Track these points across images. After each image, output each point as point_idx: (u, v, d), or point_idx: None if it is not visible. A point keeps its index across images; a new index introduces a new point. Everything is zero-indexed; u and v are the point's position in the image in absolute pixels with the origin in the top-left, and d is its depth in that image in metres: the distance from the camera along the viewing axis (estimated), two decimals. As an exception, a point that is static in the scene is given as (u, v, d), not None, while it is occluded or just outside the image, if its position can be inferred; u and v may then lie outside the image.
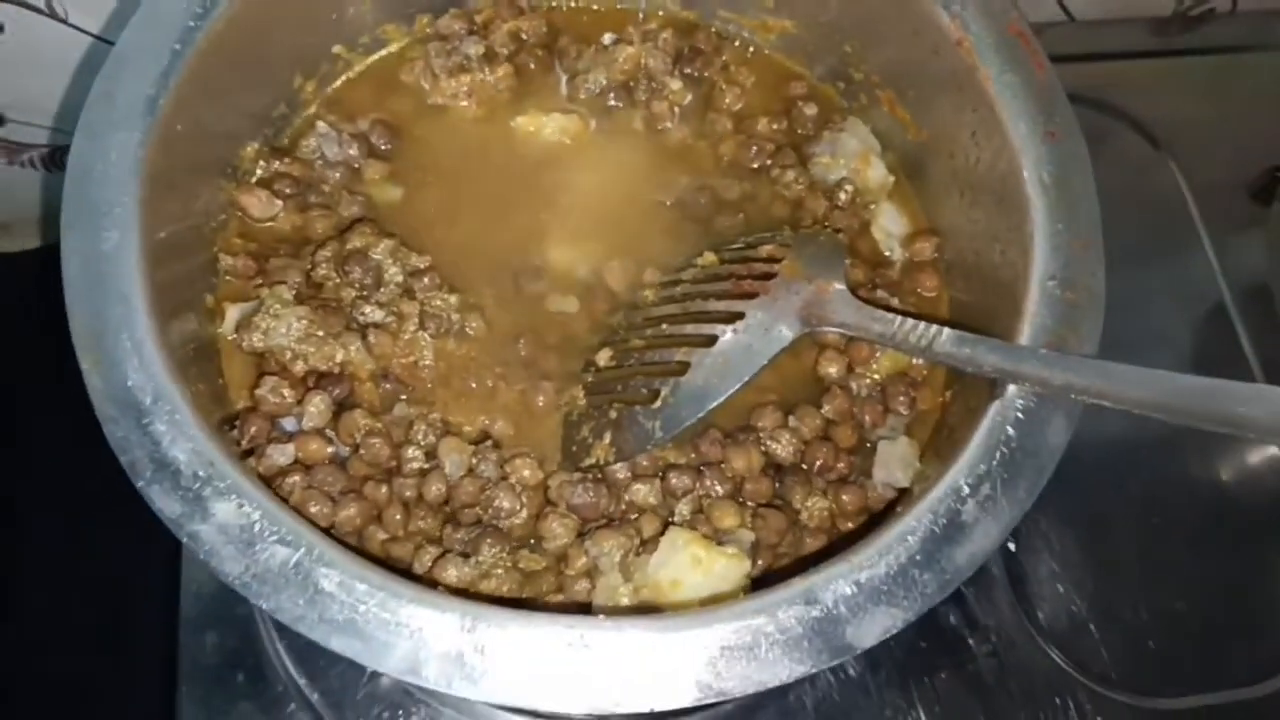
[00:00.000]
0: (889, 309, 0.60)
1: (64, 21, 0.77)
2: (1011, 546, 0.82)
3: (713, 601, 0.54)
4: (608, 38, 0.74)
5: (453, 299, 0.64)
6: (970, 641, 0.79)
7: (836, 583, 0.48)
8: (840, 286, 0.59)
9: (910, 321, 0.55)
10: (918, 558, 0.48)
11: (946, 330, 0.53)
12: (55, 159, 0.94)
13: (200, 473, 0.48)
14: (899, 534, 0.49)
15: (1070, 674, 0.78)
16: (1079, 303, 0.55)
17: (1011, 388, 0.53)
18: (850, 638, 0.47)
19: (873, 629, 0.47)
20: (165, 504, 0.47)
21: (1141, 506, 0.86)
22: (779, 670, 0.46)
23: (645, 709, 0.45)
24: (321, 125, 0.68)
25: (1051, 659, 0.78)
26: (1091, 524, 0.84)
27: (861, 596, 0.47)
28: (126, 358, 0.50)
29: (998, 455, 0.51)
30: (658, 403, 0.59)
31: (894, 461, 0.62)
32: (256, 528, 0.47)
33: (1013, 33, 0.62)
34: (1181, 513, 0.86)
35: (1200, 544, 0.85)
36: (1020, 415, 0.52)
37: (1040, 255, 0.56)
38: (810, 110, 0.73)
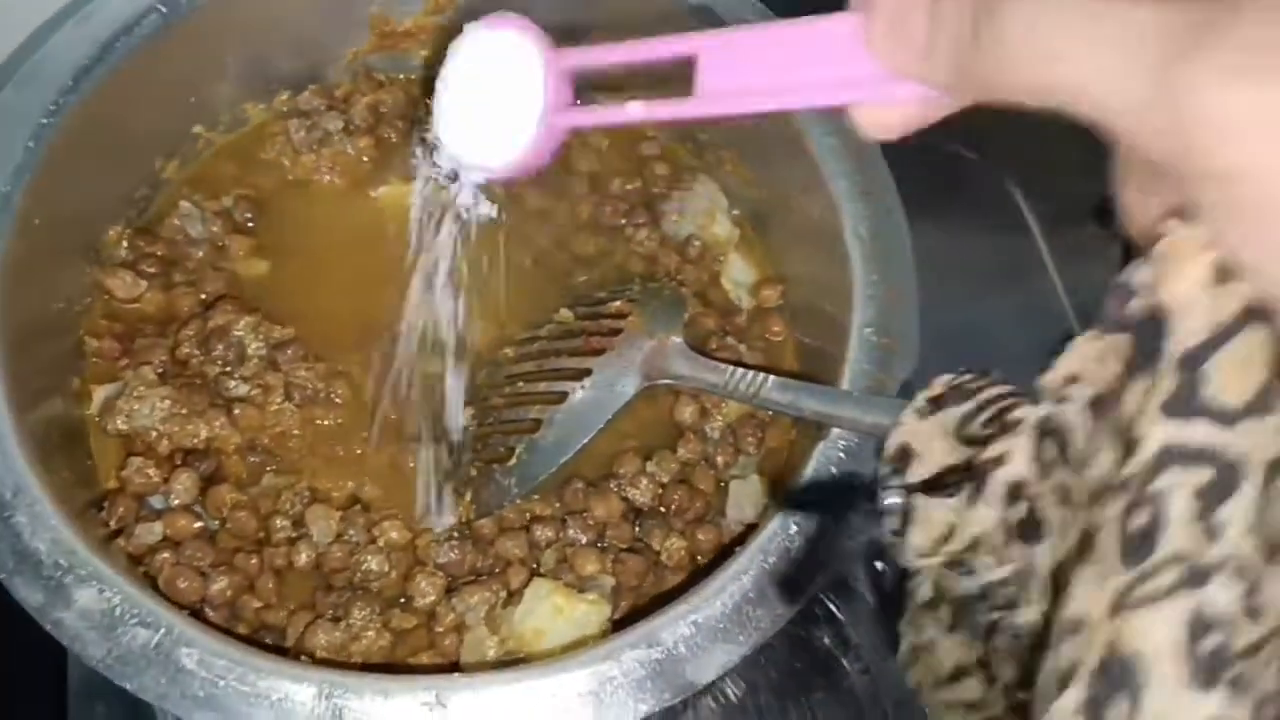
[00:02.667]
0: (729, 359, 0.64)
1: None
2: (879, 566, 0.87)
3: (574, 647, 0.57)
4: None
5: (319, 367, 0.66)
6: (843, 661, 0.83)
7: (676, 624, 0.51)
8: (678, 340, 0.63)
9: (740, 371, 0.59)
10: (751, 595, 0.52)
11: (771, 378, 0.58)
12: None
13: (61, 561, 0.49)
14: (733, 573, 0.53)
15: (938, 685, 0.82)
16: (894, 348, 0.60)
17: (835, 429, 0.57)
18: (690, 675, 0.50)
19: (711, 665, 0.51)
20: (28, 594, 0.49)
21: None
22: (624, 712, 0.49)
23: (501, 759, 0.48)
24: (184, 205, 0.70)
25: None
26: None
27: (700, 636, 0.51)
28: (-15, 454, 0.51)
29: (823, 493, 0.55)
30: (513, 460, 0.63)
31: (744, 499, 0.66)
32: (117, 612, 0.49)
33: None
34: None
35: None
36: (841, 455, 0.56)
37: (858, 304, 0.61)
38: (662, 169, 0.78)
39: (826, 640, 0.84)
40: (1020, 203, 1.05)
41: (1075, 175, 1.08)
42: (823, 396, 0.57)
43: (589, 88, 0.49)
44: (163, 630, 0.48)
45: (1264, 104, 0.23)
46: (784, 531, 0.54)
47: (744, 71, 0.40)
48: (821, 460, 0.56)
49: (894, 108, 0.36)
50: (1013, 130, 1.08)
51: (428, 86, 0.79)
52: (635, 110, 0.44)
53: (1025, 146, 1.08)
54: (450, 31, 0.75)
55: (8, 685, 0.77)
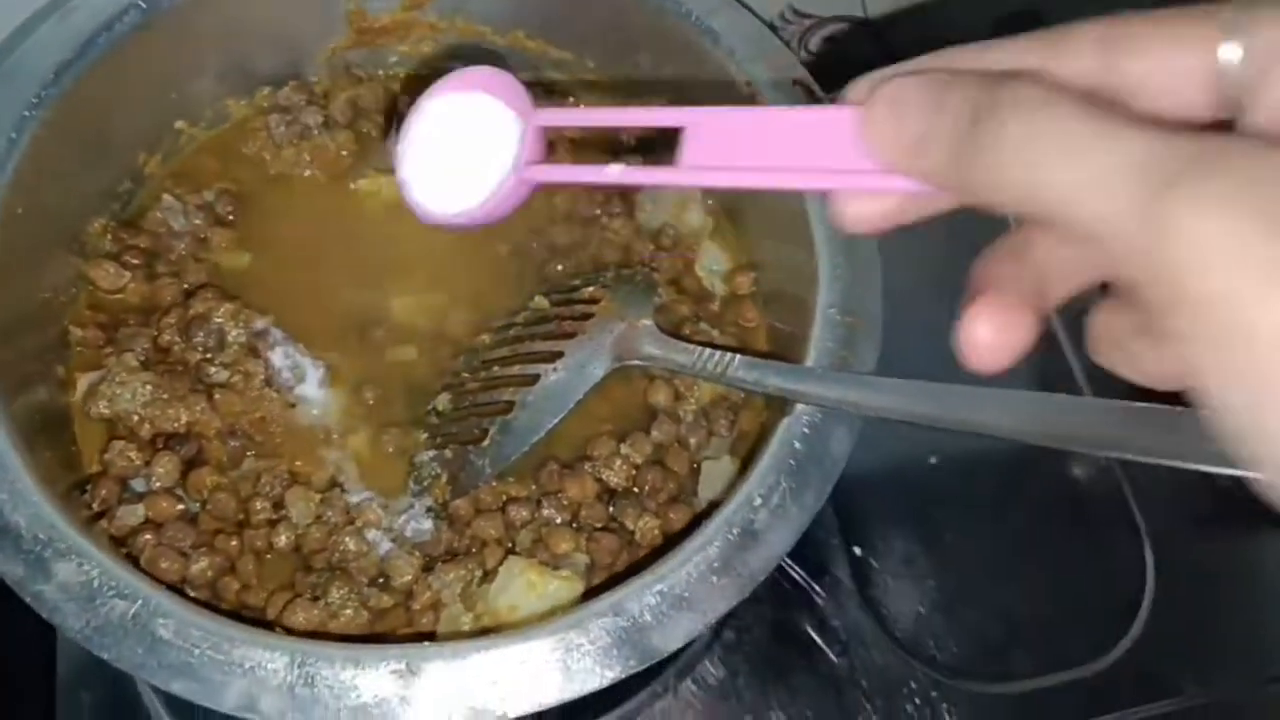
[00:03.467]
0: (699, 341, 0.65)
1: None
2: (858, 551, 0.88)
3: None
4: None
5: (297, 353, 0.68)
6: (821, 642, 0.84)
7: (642, 594, 0.53)
8: (647, 323, 0.65)
9: (708, 351, 0.61)
10: (715, 564, 0.54)
11: (738, 357, 0.59)
12: None
13: (41, 535, 0.51)
14: (698, 544, 0.54)
15: (916, 667, 0.83)
16: (857, 326, 0.61)
17: (800, 405, 0.58)
18: (656, 643, 0.52)
19: (677, 633, 0.52)
20: (8, 567, 0.50)
21: (979, 508, 0.92)
22: (591, 679, 0.51)
23: (471, 725, 0.49)
24: (167, 198, 0.72)
25: (899, 654, 0.84)
26: (933, 527, 0.90)
27: (665, 605, 0.52)
28: (-34, 433, 0.53)
29: (787, 467, 0.57)
30: (486, 441, 0.64)
31: (716, 479, 0.67)
32: (95, 584, 0.50)
33: (797, 87, 0.68)
34: (1016, 509, 0.92)
35: (1035, 540, 0.91)
36: (806, 430, 0.58)
37: (823, 286, 0.62)
38: (636, 161, 0.79)
39: (805, 625, 0.85)
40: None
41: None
42: (787, 373, 0.59)
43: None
44: (139, 602, 0.50)
45: (1240, 234, 0.24)
46: (749, 504, 0.55)
47: (730, 149, 0.40)
48: (785, 436, 0.58)
49: (877, 201, 0.36)
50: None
51: (406, 82, 0.81)
52: (613, 173, 0.44)
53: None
54: (429, 25, 0.78)
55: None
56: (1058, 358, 0.99)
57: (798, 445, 0.57)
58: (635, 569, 0.63)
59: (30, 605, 0.49)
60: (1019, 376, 0.98)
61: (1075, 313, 0.99)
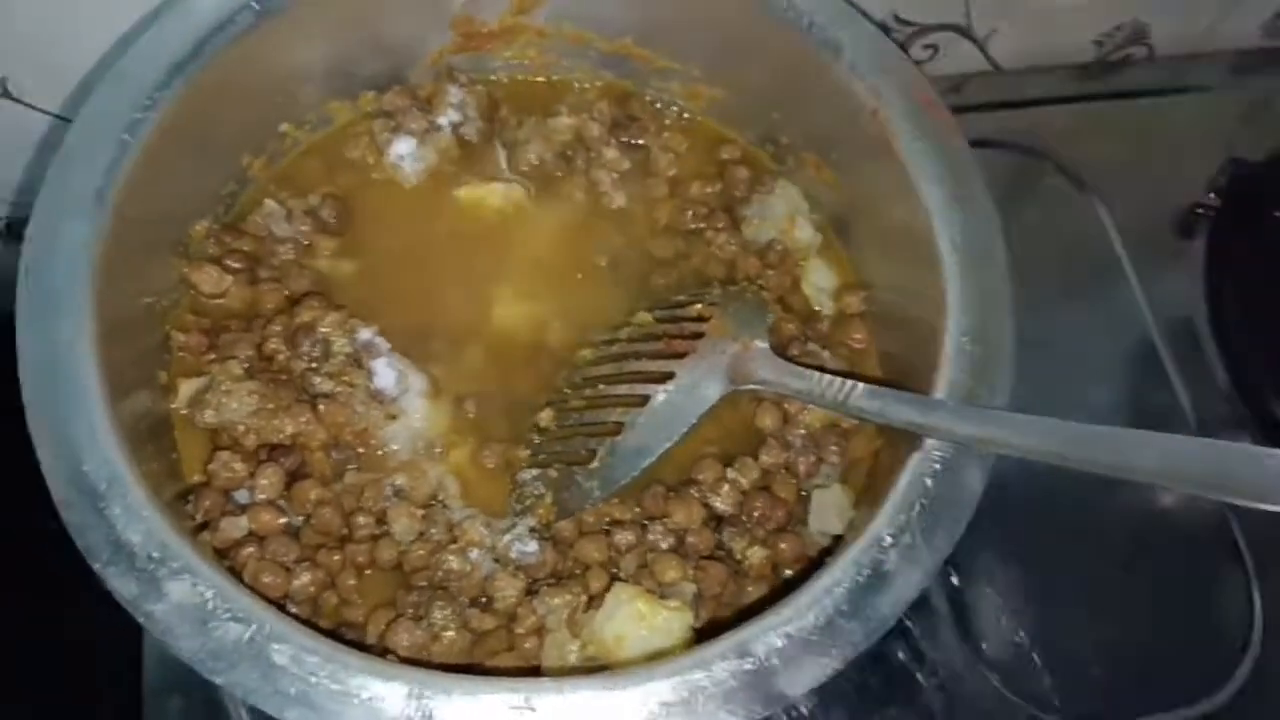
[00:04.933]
0: (811, 365, 0.63)
1: (20, 102, 0.78)
2: (955, 581, 0.85)
3: (657, 655, 0.56)
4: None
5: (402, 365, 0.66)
6: (918, 675, 0.81)
7: (768, 635, 0.50)
8: (762, 345, 0.63)
9: (827, 378, 0.58)
10: (844, 608, 0.51)
11: (860, 385, 0.57)
12: (14, 230, 0.95)
13: (154, 554, 0.50)
14: (826, 586, 0.52)
15: (1015, 701, 0.80)
16: (989, 357, 0.58)
17: (930, 440, 0.56)
18: (782, 687, 0.49)
19: (803, 678, 0.50)
20: (122, 585, 0.49)
21: (1078, 536, 0.89)
22: (714, 722, 0.48)
23: (589, 765, 0.48)
24: (269, 203, 0.71)
25: (996, 688, 0.81)
26: (1031, 556, 0.87)
27: (792, 648, 0.50)
28: (82, 445, 0.52)
29: (917, 506, 0.54)
30: (595, 463, 0.62)
31: (828, 509, 0.65)
32: (210, 606, 0.49)
33: (923, 102, 0.66)
34: (1117, 540, 0.89)
35: (1136, 570, 0.88)
36: (938, 466, 0.55)
37: (953, 312, 0.60)
38: (742, 173, 0.77)
39: (900, 654, 0.82)
40: (1100, 211, 1.03)
41: (1156, 184, 1.07)
42: (915, 405, 0.56)
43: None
44: (255, 626, 0.48)
45: None
46: (877, 544, 0.53)
47: None
48: (915, 473, 0.55)
49: None
50: (1092, 136, 1.08)
51: (509, 88, 0.80)
52: None
53: (1105, 153, 1.07)
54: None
55: (85, 679, 0.79)
56: (1164, 391, 0.95)
57: (929, 483, 0.55)
58: (742, 603, 0.62)
59: (144, 625, 0.48)
60: (1105, 362, 0.96)
61: (1185, 345, 0.96)
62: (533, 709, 0.48)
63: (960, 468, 0.55)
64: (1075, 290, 1.01)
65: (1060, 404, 0.59)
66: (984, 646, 0.83)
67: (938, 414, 0.55)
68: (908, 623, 0.83)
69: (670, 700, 0.48)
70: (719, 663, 0.49)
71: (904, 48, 1.04)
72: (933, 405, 0.56)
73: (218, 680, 0.47)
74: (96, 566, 0.49)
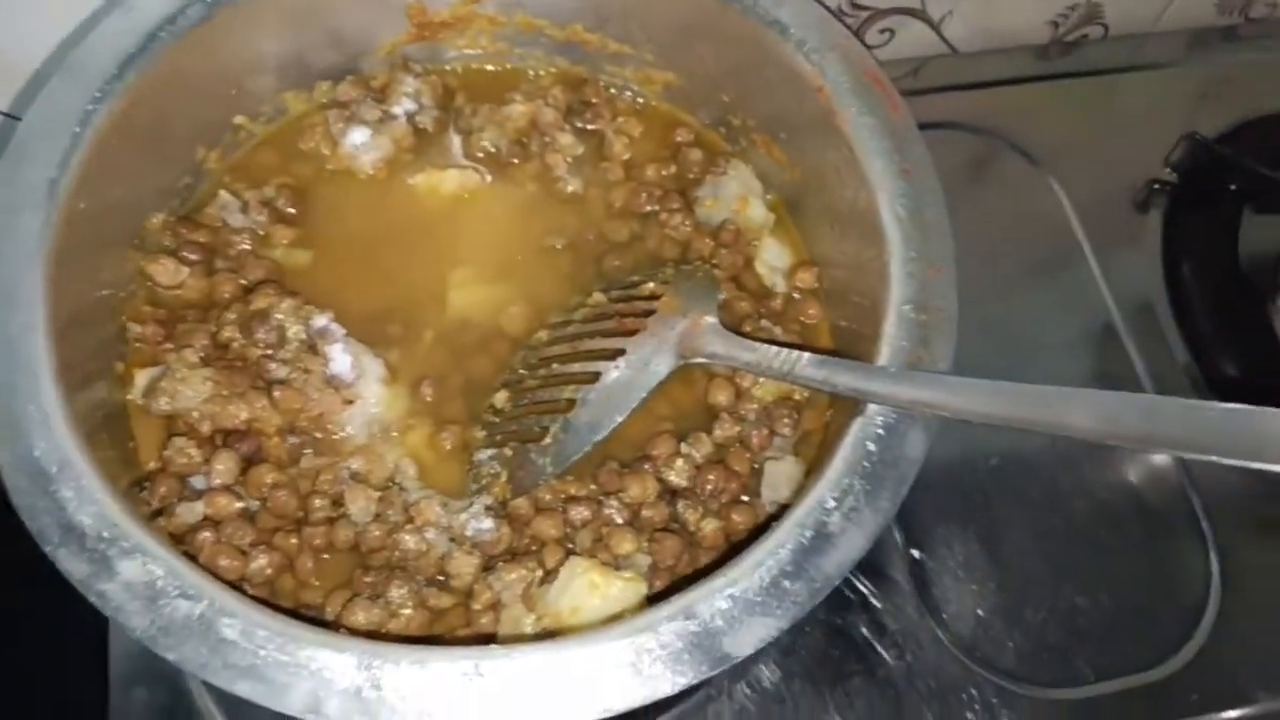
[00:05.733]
0: (763, 339, 0.64)
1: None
2: (916, 554, 0.86)
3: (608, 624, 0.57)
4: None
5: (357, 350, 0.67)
6: (879, 647, 0.82)
7: (714, 597, 0.51)
8: (711, 320, 0.64)
9: (774, 349, 0.59)
10: (788, 569, 0.52)
11: (805, 355, 0.58)
12: None
13: (105, 534, 0.50)
14: (770, 548, 0.53)
15: (976, 671, 0.82)
16: (932, 324, 0.59)
17: (873, 405, 0.57)
18: (728, 648, 0.50)
19: (748, 638, 0.51)
20: (73, 566, 0.50)
21: (1039, 509, 0.90)
22: (662, 683, 0.49)
23: (538, 730, 0.48)
24: (224, 195, 0.71)
25: (958, 658, 0.82)
26: (992, 529, 0.88)
27: (737, 609, 0.51)
28: (33, 429, 0.52)
29: (860, 469, 0.55)
30: (548, 439, 0.63)
31: (780, 480, 0.66)
32: (160, 584, 0.49)
33: (868, 78, 0.67)
34: (1077, 512, 0.90)
35: (1095, 540, 0.89)
36: (880, 431, 0.56)
37: (897, 282, 0.61)
38: (695, 155, 0.78)
39: (862, 628, 0.83)
40: (1057, 189, 1.04)
41: (1113, 162, 1.08)
42: (857, 371, 0.57)
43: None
44: (205, 602, 0.49)
45: None
46: (821, 507, 0.54)
47: None
48: (858, 437, 0.56)
49: None
50: (1049, 116, 1.09)
51: (463, 77, 0.80)
52: None
53: (1062, 133, 1.09)
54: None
55: (50, 672, 0.79)
56: (1124, 367, 0.96)
57: (871, 446, 0.56)
58: (698, 571, 0.63)
59: (94, 604, 0.49)
60: (1066, 343, 0.97)
61: (1144, 320, 0.97)
62: (481, 674, 0.48)
63: (903, 432, 0.56)
64: (1035, 269, 1.02)
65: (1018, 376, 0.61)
66: (945, 618, 0.84)
67: (879, 380, 0.56)
68: (869, 596, 0.84)
69: (618, 662, 0.49)
70: (666, 624, 0.50)
71: (860, 32, 1.05)
72: (875, 372, 0.58)
73: (169, 656, 0.48)
74: (48, 549, 0.50)
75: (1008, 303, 0.98)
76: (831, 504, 0.54)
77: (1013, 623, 0.84)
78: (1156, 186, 1.06)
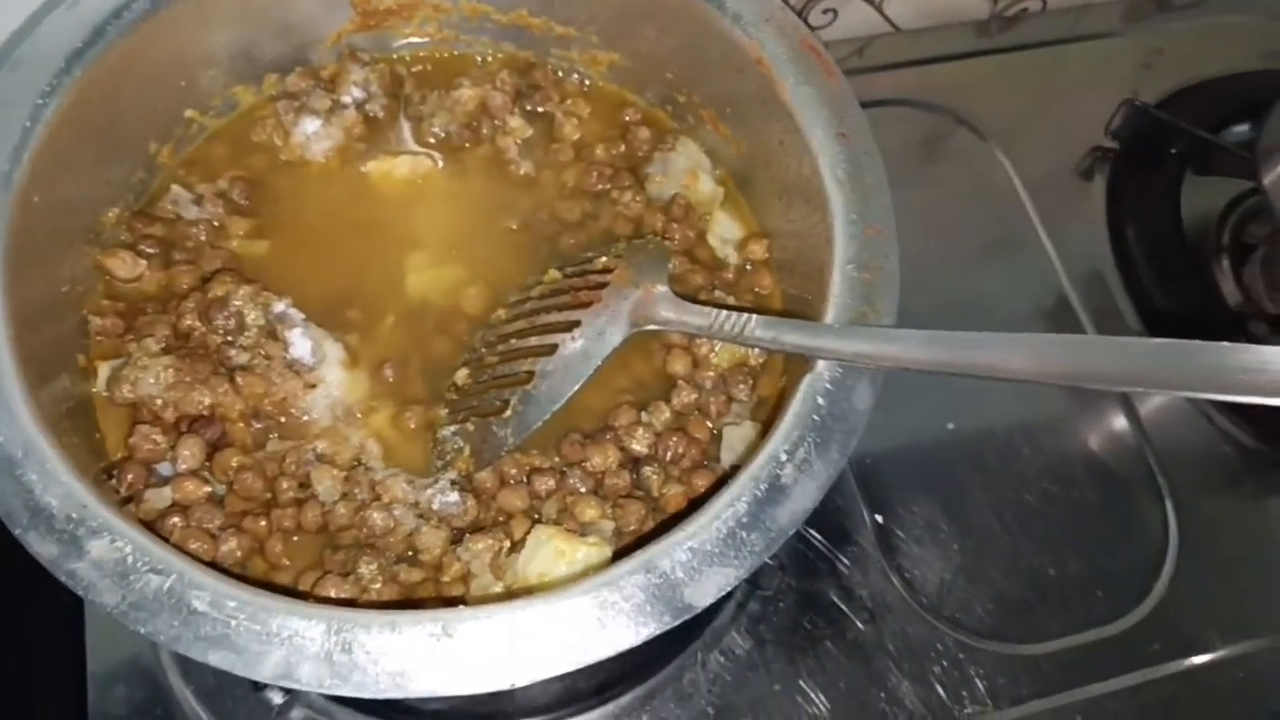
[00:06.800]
0: (711, 304, 0.66)
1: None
2: (880, 520, 0.88)
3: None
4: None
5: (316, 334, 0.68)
6: (848, 611, 0.84)
7: (673, 551, 0.53)
8: (663, 289, 0.65)
9: (724, 313, 0.61)
10: (744, 520, 0.54)
11: (755, 317, 0.59)
12: None
13: (73, 515, 0.51)
14: (726, 501, 0.54)
15: (943, 631, 0.84)
16: (875, 281, 0.61)
17: (821, 362, 0.58)
18: (689, 598, 0.52)
19: (708, 588, 0.52)
20: (42, 547, 0.50)
21: (1000, 473, 0.92)
22: (626, 634, 0.51)
23: (507, 685, 0.49)
24: (175, 188, 0.72)
25: (925, 619, 0.84)
26: (955, 493, 0.90)
27: (696, 560, 0.52)
28: (-5, 417, 0.53)
29: (810, 423, 0.57)
30: (508, 412, 0.64)
31: (738, 444, 0.67)
32: (129, 560, 0.50)
33: (804, 47, 0.68)
34: (1038, 475, 0.92)
35: (1056, 503, 0.91)
36: (829, 385, 0.58)
37: (840, 244, 0.62)
38: (644, 134, 0.79)
39: (831, 593, 0.85)
40: (1004, 160, 1.07)
41: (1057, 132, 1.11)
42: (804, 330, 0.59)
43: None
44: (174, 575, 0.50)
45: None
46: (774, 460, 0.55)
47: None
48: (808, 392, 0.58)
49: None
50: (993, 90, 1.11)
51: (411, 64, 0.82)
52: None
53: (1006, 105, 1.11)
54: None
55: (28, 671, 0.79)
56: (1071, 320, 0.99)
57: (820, 401, 0.57)
58: (662, 534, 0.64)
59: (65, 583, 0.49)
60: (1021, 316, 0.99)
61: (1093, 288, 0.99)
62: (450, 635, 0.49)
63: (850, 385, 0.58)
64: (985, 242, 1.04)
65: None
66: (911, 581, 0.86)
67: (825, 336, 0.58)
68: (837, 563, 0.86)
69: (583, 617, 0.51)
70: (628, 578, 0.51)
71: (804, 14, 1.07)
72: (821, 329, 0.59)
73: (140, 630, 0.49)
74: (17, 532, 0.50)
75: (960, 276, 1.00)
76: (784, 457, 0.55)
77: (977, 583, 0.87)
78: (1099, 154, 1.08)
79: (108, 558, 0.50)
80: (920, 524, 0.89)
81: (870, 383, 0.58)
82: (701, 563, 0.52)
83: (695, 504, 0.65)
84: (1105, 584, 0.88)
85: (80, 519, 0.51)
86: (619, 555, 0.62)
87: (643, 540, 0.63)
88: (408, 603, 0.60)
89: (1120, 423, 0.95)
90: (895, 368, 0.55)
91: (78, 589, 0.49)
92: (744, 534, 0.53)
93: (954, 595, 0.86)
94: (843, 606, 0.85)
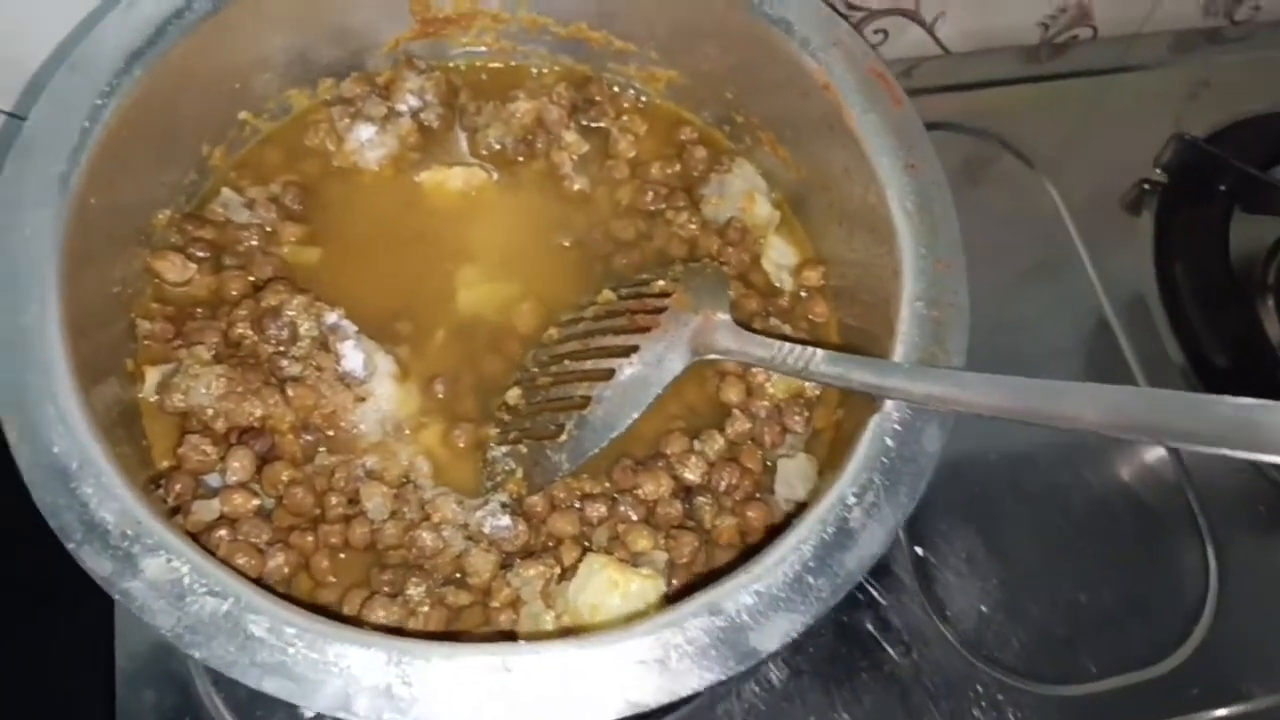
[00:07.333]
0: (773, 335, 0.64)
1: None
2: (919, 551, 0.87)
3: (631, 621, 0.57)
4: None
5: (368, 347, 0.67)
6: (885, 644, 0.83)
7: (739, 593, 0.51)
8: (724, 316, 0.64)
9: (788, 345, 0.60)
10: (811, 564, 0.52)
11: (820, 351, 0.58)
12: None
13: (129, 531, 0.50)
14: (793, 544, 0.53)
15: (980, 668, 0.82)
16: (944, 319, 0.60)
17: (889, 401, 0.57)
18: (754, 643, 0.50)
19: (774, 633, 0.51)
20: (96, 564, 0.49)
21: (1040, 506, 0.91)
22: (690, 679, 0.49)
23: (565, 725, 0.48)
24: (226, 192, 0.71)
25: (962, 654, 0.83)
26: (994, 525, 0.89)
27: (762, 604, 0.51)
28: (51, 425, 0.52)
29: (879, 465, 0.55)
30: (563, 436, 0.63)
31: (794, 477, 0.66)
32: (186, 581, 0.49)
33: (871, 74, 0.67)
34: (1077, 510, 0.91)
35: (1096, 538, 0.90)
36: (898, 426, 0.57)
37: (908, 278, 0.61)
38: (700, 153, 0.78)
39: (869, 624, 0.84)
40: (1050, 189, 1.05)
41: (1104, 162, 1.10)
42: (872, 368, 0.58)
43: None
44: (232, 599, 0.48)
45: None
46: (842, 503, 0.54)
47: None
48: (876, 433, 0.56)
49: None
50: (1041, 117, 1.10)
51: (467, 74, 0.80)
52: None
53: (1053, 133, 1.10)
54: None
55: (56, 673, 0.78)
56: (1119, 367, 0.97)
57: (889, 442, 0.56)
58: (715, 568, 0.63)
59: (119, 604, 0.48)
60: (1062, 344, 0.98)
61: (1138, 320, 0.98)
62: (509, 670, 0.48)
63: (919, 427, 0.57)
64: (1028, 269, 1.03)
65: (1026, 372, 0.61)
66: (949, 614, 0.84)
67: (894, 376, 0.57)
68: (875, 594, 0.84)
69: (646, 659, 0.49)
70: (692, 620, 0.50)
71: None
72: (889, 368, 0.58)
73: (195, 654, 0.47)
74: (70, 546, 0.49)
75: (1003, 302, 0.99)
76: (852, 500, 0.54)
77: (1015, 618, 0.85)
78: (1147, 187, 1.07)
79: (163, 578, 0.49)
80: (959, 556, 0.87)
81: (940, 425, 0.57)
82: (767, 607, 0.51)
83: (748, 538, 0.65)
84: (1144, 624, 0.87)
85: (135, 535, 0.50)
86: (671, 590, 0.61)
87: (693, 575, 0.63)
88: (457, 635, 0.58)
89: (1160, 457, 0.94)
90: (967, 413, 0.54)
91: (131, 608, 0.48)
92: (810, 579, 0.52)
93: (992, 630, 0.85)
94: (880, 639, 0.83)
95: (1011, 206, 1.05)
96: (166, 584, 0.49)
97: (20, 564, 0.73)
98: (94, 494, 0.50)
